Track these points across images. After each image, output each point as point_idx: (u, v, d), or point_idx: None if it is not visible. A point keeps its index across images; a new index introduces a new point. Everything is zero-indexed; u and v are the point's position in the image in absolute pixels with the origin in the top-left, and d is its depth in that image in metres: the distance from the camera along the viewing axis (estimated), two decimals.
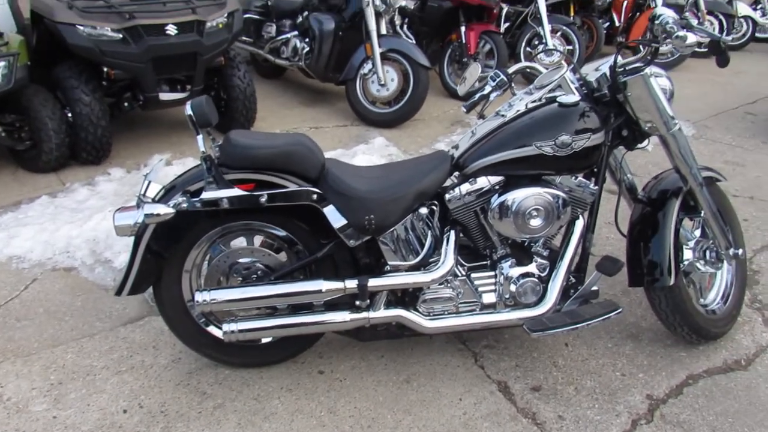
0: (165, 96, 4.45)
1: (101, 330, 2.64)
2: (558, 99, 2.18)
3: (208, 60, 4.45)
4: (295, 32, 5.76)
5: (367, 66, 5.21)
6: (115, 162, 4.40)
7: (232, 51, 4.84)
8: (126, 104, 4.49)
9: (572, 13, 7.10)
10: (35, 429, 2.11)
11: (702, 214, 2.46)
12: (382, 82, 5.16)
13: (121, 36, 4.05)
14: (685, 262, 2.49)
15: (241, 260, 2.25)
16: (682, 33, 2.01)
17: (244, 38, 6.37)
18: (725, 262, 2.60)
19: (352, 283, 2.15)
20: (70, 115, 4.15)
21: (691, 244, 2.55)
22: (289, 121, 5.44)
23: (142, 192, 2.08)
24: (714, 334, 2.54)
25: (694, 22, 2.07)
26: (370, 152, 4.64)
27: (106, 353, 2.49)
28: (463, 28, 5.90)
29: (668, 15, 2.06)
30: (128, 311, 2.76)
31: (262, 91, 5.45)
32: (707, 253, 2.55)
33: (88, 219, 3.46)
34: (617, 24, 7.67)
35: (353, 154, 4.58)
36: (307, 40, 5.59)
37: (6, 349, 2.50)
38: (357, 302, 2.19)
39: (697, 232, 2.60)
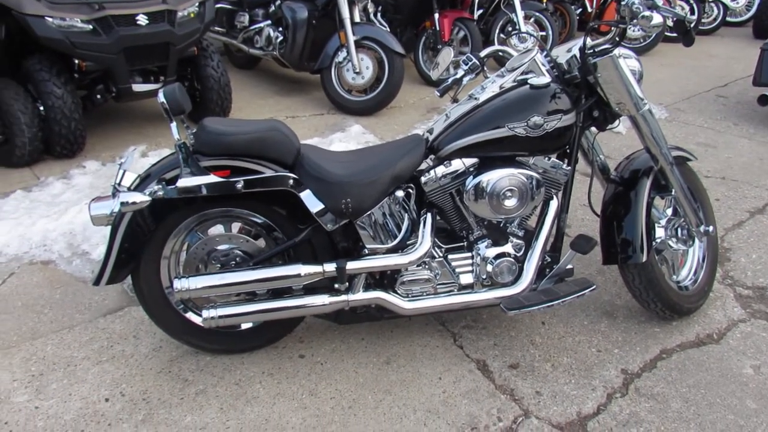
0: (138, 87, 4.41)
1: (81, 321, 2.63)
2: (529, 81, 2.21)
3: (180, 50, 4.42)
4: (268, 21, 5.73)
5: (342, 54, 5.21)
6: (90, 155, 4.36)
7: (204, 41, 4.81)
8: (99, 96, 4.43)
9: (545, 0, 7.15)
10: (17, 419, 2.10)
11: (673, 193, 2.52)
12: (357, 70, 5.17)
13: (91, 27, 4.00)
14: (657, 240, 2.55)
15: (219, 247, 2.26)
16: (647, 13, 2.04)
17: (216, 28, 6.33)
18: (696, 239, 2.66)
19: (330, 267, 2.17)
20: (42, 108, 4.09)
21: (663, 222, 2.60)
22: (264, 111, 5.42)
23: (118, 181, 2.08)
24: (687, 310, 2.60)
25: (660, 2, 2.11)
26: (346, 140, 4.64)
27: (87, 344, 2.48)
28: (436, 15, 5.91)
29: None
30: (107, 302, 2.75)
31: (236, 81, 5.43)
32: (679, 230, 2.61)
33: (64, 212, 3.43)
34: (589, 10, 7.76)
35: (330, 142, 4.58)
36: (280, 29, 5.57)
37: None
38: (336, 285, 2.21)
39: (669, 211, 2.65)
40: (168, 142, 4.62)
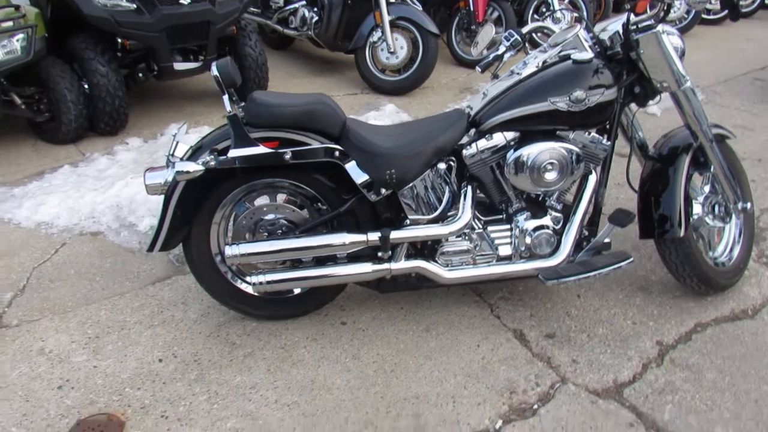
0: (179, 66, 4.51)
1: (131, 289, 2.75)
2: (572, 56, 2.24)
3: (220, 29, 4.50)
4: (303, 2, 5.78)
5: (377, 34, 5.24)
6: (132, 132, 4.48)
7: (243, 20, 4.89)
8: (140, 75, 4.55)
9: None
10: (78, 377, 2.23)
11: (711, 169, 2.53)
12: (392, 50, 5.21)
13: (135, 6, 4.10)
14: (695, 216, 2.57)
15: (266, 217, 2.34)
16: None
17: (251, 9, 6.40)
18: (733, 216, 2.68)
19: (374, 236, 2.24)
20: (86, 86, 4.21)
21: (701, 199, 2.62)
22: (299, 91, 5.46)
23: (171, 152, 2.17)
24: (722, 286, 2.62)
25: None
26: (381, 119, 4.70)
27: (138, 310, 2.60)
28: None
29: None
30: (155, 271, 2.87)
31: (271, 61, 5.48)
32: (716, 207, 2.62)
33: (110, 186, 3.55)
34: None
35: (365, 121, 4.63)
36: (315, 9, 5.62)
37: (43, 308, 2.61)
38: (379, 254, 2.28)
39: (707, 188, 2.66)
40: (206, 120, 4.72)
